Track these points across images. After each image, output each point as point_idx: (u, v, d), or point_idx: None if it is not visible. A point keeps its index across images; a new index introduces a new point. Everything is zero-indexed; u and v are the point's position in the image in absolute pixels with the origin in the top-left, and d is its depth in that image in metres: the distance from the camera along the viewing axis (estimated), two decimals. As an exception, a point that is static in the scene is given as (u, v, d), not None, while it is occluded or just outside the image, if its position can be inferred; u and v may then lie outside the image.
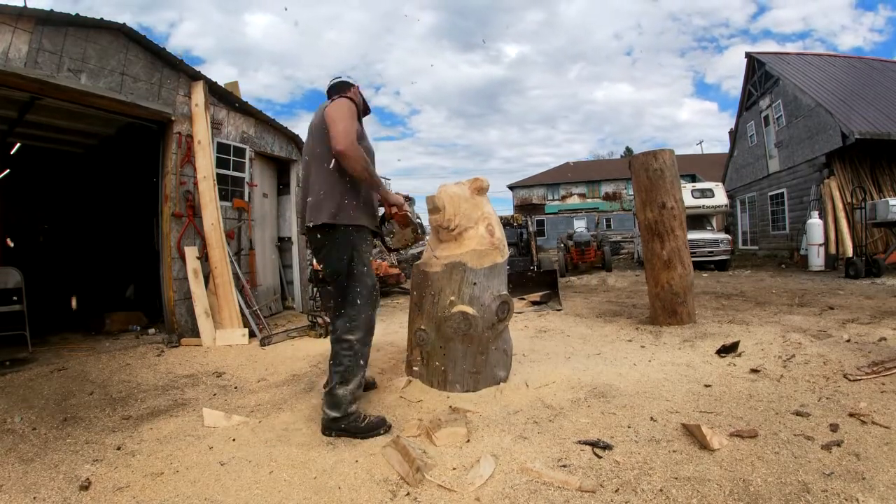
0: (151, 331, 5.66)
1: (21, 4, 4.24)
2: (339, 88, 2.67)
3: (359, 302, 2.38)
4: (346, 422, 2.34)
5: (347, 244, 2.37)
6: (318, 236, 2.41)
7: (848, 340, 3.63)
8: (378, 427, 2.36)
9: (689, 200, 10.98)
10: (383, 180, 2.88)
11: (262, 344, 4.81)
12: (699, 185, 13.32)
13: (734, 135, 18.05)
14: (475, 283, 2.87)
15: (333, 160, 2.32)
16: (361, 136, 2.43)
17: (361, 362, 2.41)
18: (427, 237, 2.84)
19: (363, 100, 2.74)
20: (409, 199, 2.81)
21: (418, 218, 2.79)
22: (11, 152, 7.55)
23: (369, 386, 3.00)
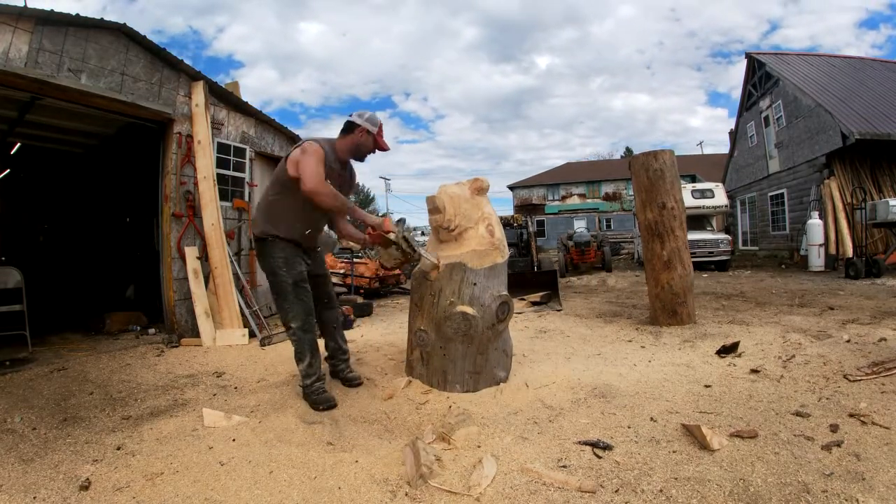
0: (151, 331, 5.66)
1: (23, 5, 4.24)
2: (346, 128, 2.90)
3: (290, 296, 2.80)
4: (306, 391, 2.86)
5: (266, 252, 2.84)
6: (254, 245, 3.05)
7: (848, 341, 3.63)
8: (321, 403, 2.76)
9: (689, 201, 10.98)
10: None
11: (262, 344, 4.81)
12: (699, 186, 13.32)
13: (734, 135, 18.06)
14: (475, 284, 2.87)
15: (272, 185, 2.93)
16: (339, 174, 2.89)
17: (307, 346, 2.84)
18: (421, 255, 2.87)
19: (373, 140, 2.89)
20: (400, 221, 2.97)
21: (406, 238, 2.83)
22: (11, 152, 7.55)
23: (350, 382, 3.20)
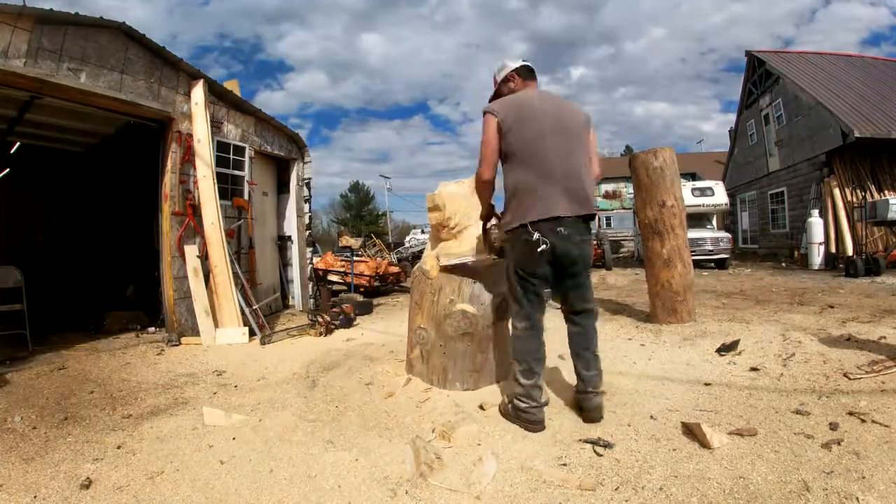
0: (151, 330, 5.67)
1: (22, 4, 4.23)
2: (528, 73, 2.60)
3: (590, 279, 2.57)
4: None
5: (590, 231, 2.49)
6: (586, 225, 2.42)
7: (848, 339, 3.63)
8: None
9: (689, 199, 10.95)
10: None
11: (262, 343, 4.81)
12: (699, 184, 13.31)
13: (734, 133, 18.03)
14: (475, 282, 2.88)
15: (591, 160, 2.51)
16: (513, 121, 2.39)
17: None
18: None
19: (509, 76, 2.59)
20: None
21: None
22: (11, 151, 7.54)
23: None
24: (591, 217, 2.41)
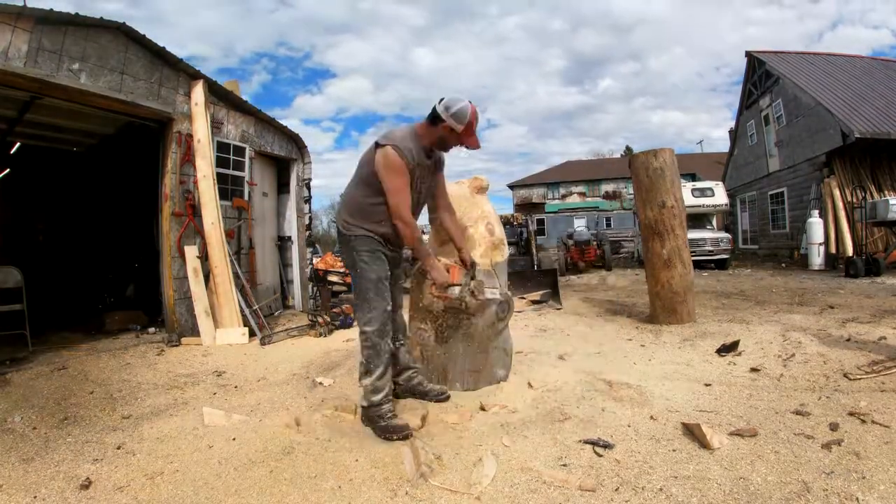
0: (151, 330, 5.67)
1: (22, 5, 4.23)
2: (431, 118, 2.43)
3: (370, 293, 2.47)
4: (371, 413, 2.41)
5: (350, 247, 2.53)
6: (339, 239, 2.68)
7: (848, 339, 3.63)
8: (395, 432, 2.28)
9: (689, 199, 10.94)
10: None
11: (263, 343, 4.81)
12: (699, 184, 13.31)
13: (734, 134, 18.03)
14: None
15: (360, 185, 2.52)
16: (427, 167, 2.50)
17: (381, 356, 2.46)
18: (487, 300, 2.65)
19: (457, 137, 2.45)
20: (472, 266, 2.67)
21: (473, 291, 2.60)
22: (11, 151, 7.54)
23: (430, 395, 2.77)
24: (339, 233, 2.60)
